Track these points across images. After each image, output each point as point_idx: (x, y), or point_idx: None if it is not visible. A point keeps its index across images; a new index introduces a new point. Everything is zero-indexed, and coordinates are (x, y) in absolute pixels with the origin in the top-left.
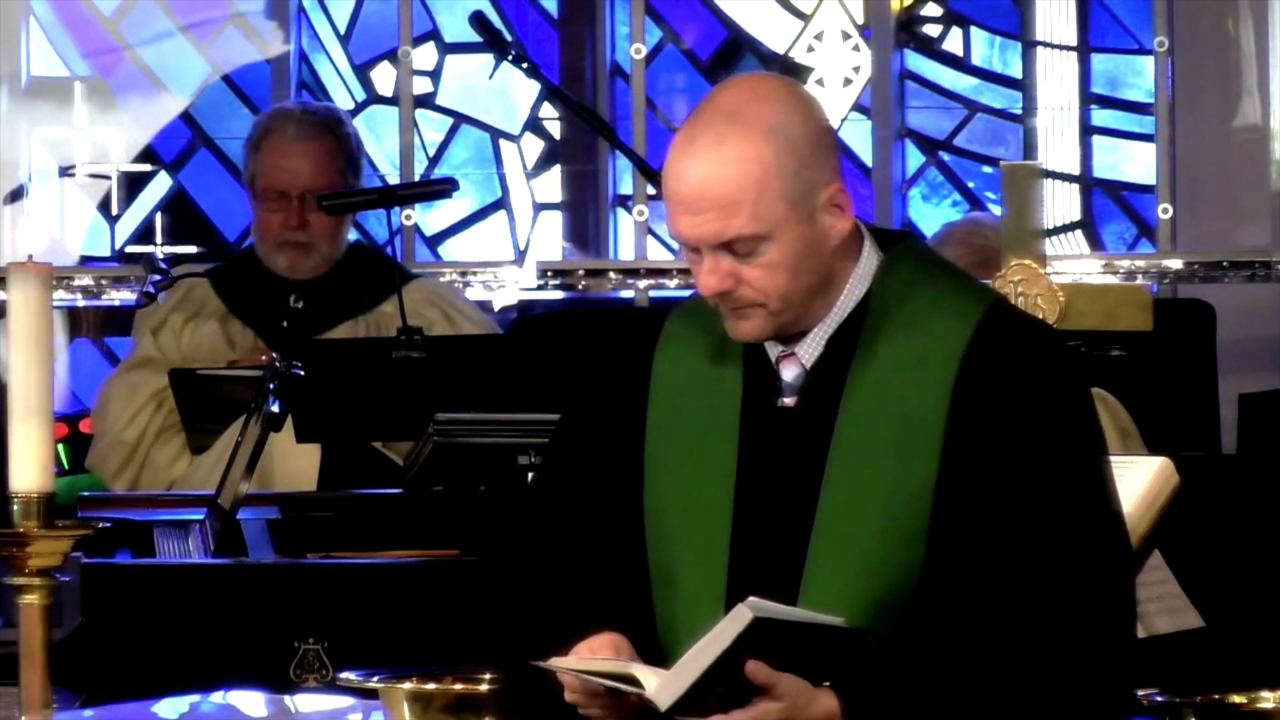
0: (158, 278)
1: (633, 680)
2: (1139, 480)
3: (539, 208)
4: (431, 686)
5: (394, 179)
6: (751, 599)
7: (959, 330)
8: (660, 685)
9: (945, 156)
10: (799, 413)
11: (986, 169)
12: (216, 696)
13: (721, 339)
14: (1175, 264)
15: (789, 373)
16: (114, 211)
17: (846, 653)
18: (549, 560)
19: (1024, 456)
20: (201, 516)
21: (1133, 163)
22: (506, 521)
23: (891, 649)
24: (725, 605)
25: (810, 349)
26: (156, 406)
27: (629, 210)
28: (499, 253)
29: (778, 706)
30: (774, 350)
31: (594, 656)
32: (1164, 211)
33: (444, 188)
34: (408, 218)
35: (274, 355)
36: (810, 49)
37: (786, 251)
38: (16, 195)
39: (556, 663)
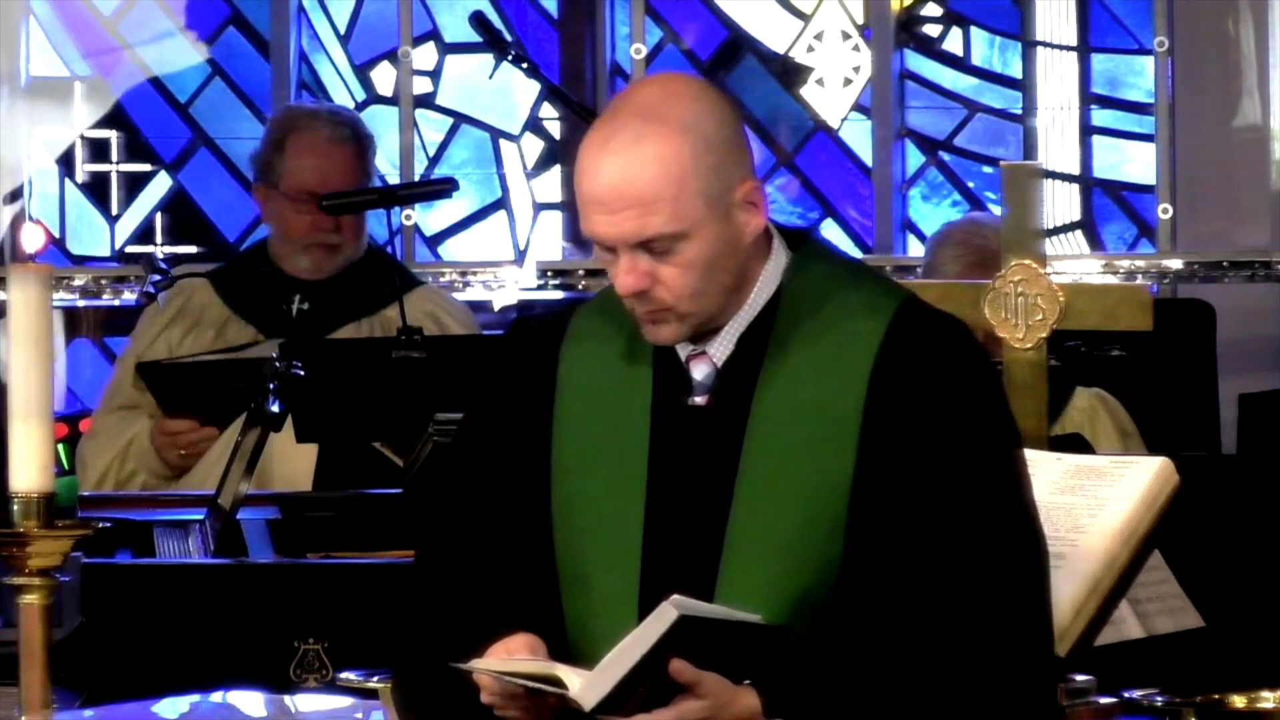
0: (158, 278)
1: (555, 681)
2: (1139, 480)
3: (539, 208)
4: None
5: (394, 179)
6: (675, 597)
7: (872, 327)
8: (584, 685)
9: (945, 156)
10: (710, 411)
11: (986, 169)
12: (216, 696)
13: (630, 337)
14: (1175, 264)
15: (699, 371)
16: (114, 211)
17: (768, 650)
18: (457, 562)
19: (938, 450)
20: (201, 516)
21: (1133, 163)
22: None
23: (811, 646)
24: (639, 605)
25: (721, 348)
26: (114, 486)
27: None
28: (499, 253)
29: (700, 705)
30: (684, 349)
31: (511, 658)
32: (1164, 211)
33: (444, 188)
34: (408, 218)
35: (274, 355)
36: (810, 49)
37: (703, 250)
38: (16, 195)
39: (479, 663)
